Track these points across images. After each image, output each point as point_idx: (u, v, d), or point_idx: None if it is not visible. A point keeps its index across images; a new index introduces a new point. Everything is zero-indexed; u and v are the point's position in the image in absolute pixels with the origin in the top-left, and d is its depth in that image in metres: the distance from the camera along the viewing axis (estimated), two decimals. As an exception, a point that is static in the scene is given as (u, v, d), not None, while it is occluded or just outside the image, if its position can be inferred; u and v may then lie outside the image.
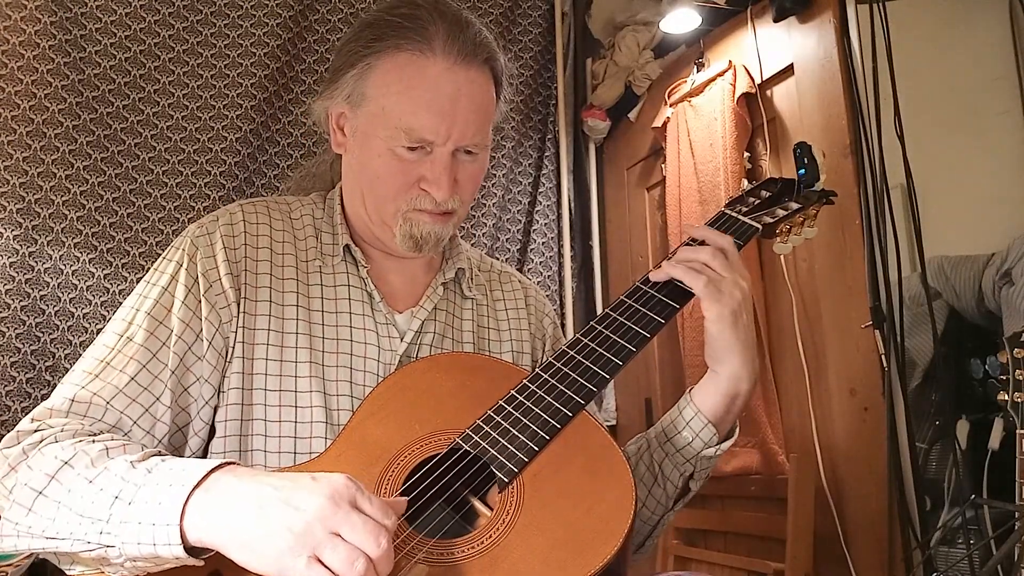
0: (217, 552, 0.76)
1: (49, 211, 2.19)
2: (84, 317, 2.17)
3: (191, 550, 0.76)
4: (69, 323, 2.16)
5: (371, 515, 0.73)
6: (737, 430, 1.06)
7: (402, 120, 0.98)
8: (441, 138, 0.99)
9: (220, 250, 1.01)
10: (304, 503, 0.73)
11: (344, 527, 0.72)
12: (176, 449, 0.96)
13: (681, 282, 1.01)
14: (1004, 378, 1.30)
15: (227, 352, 0.98)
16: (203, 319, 0.97)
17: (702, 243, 1.05)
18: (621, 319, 1.00)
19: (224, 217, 1.06)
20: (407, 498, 0.84)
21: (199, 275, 1.00)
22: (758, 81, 2.24)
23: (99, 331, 2.20)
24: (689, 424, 1.02)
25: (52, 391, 2.21)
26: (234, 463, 0.81)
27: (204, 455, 0.98)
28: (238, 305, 0.99)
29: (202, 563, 0.77)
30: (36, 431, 0.86)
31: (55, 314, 2.15)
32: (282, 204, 1.12)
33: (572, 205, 2.90)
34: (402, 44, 0.99)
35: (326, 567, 0.70)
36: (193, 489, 0.76)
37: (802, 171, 1.16)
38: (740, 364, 1.00)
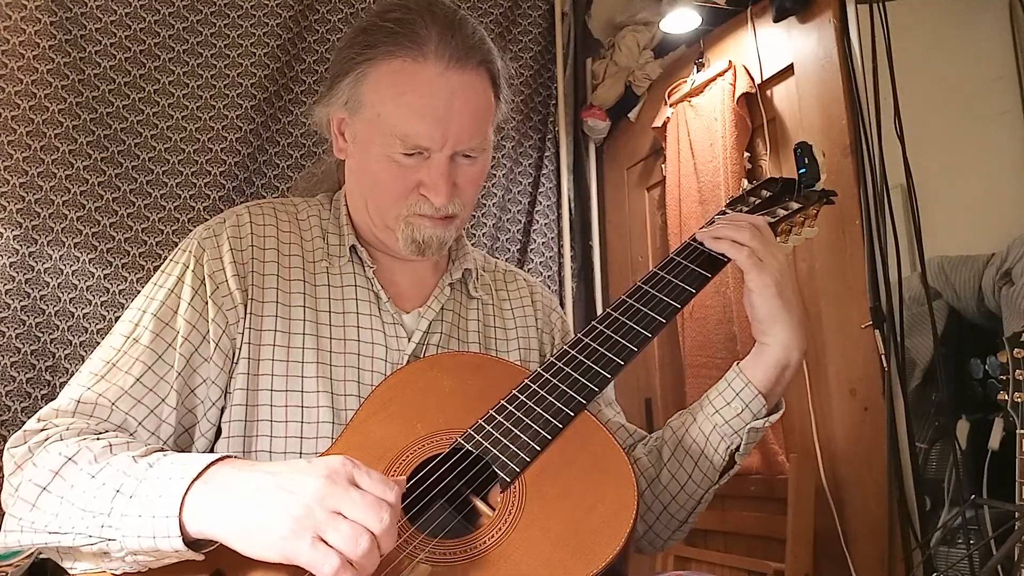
0: (219, 549, 0.76)
1: (49, 211, 2.19)
2: (84, 317, 2.17)
3: (192, 544, 0.76)
4: (69, 323, 2.16)
5: (371, 490, 0.74)
6: (783, 403, 1.06)
7: (397, 127, 0.98)
8: (437, 143, 0.98)
9: (227, 252, 1.02)
10: (301, 486, 0.73)
11: (344, 505, 0.72)
12: (182, 451, 0.96)
13: (723, 255, 1.02)
14: (1004, 378, 1.30)
15: (234, 354, 0.98)
16: (210, 321, 0.97)
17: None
18: (623, 318, 1.00)
19: (231, 219, 1.06)
20: (404, 477, 0.84)
21: (206, 277, 1.00)
22: (758, 81, 2.24)
23: (99, 331, 2.21)
24: (739, 395, 1.01)
25: (52, 391, 2.20)
26: (234, 456, 0.82)
27: None
28: (245, 307, 0.99)
29: (202, 558, 0.77)
30: (42, 430, 0.87)
31: (55, 314, 2.15)
32: (288, 205, 1.12)
33: (572, 205, 2.90)
34: (394, 50, 0.98)
35: (330, 547, 0.71)
36: (192, 482, 0.76)
37: (802, 171, 1.16)
38: (790, 333, 1.00)
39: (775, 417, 1.03)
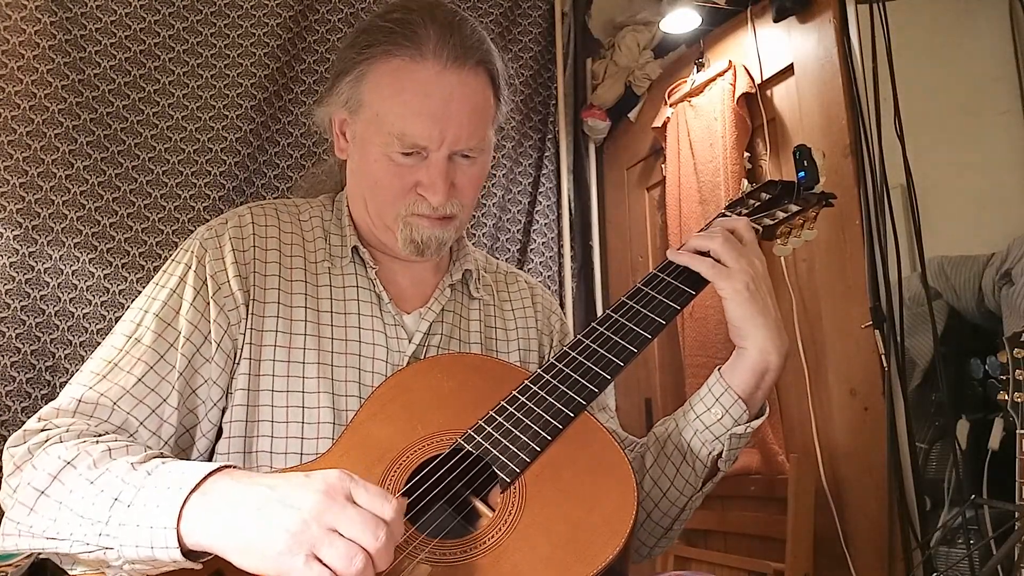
0: (217, 555, 0.76)
1: (49, 211, 2.19)
2: (84, 317, 2.17)
3: (189, 554, 0.76)
4: (69, 323, 2.16)
5: (367, 507, 0.73)
6: (768, 409, 1.04)
7: (395, 126, 0.98)
8: (435, 143, 0.98)
9: (229, 252, 1.02)
10: (299, 501, 0.73)
11: (341, 522, 0.72)
12: (183, 451, 0.96)
13: (688, 268, 1.02)
14: (1004, 378, 1.30)
15: (235, 354, 0.98)
16: (211, 321, 0.97)
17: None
18: (622, 320, 1.00)
19: (233, 219, 1.06)
20: (407, 499, 0.84)
21: (208, 277, 1.00)
22: (758, 81, 2.24)
23: (99, 331, 2.21)
24: (719, 400, 1.00)
25: (52, 391, 2.20)
26: (232, 466, 0.81)
27: (211, 457, 0.98)
28: (246, 307, 1.00)
29: (200, 567, 0.77)
30: (42, 431, 0.87)
31: (55, 314, 2.15)
32: (291, 206, 1.12)
33: (572, 205, 2.90)
34: (392, 50, 0.99)
35: (324, 565, 0.70)
36: (190, 492, 0.76)
37: (802, 173, 1.16)
38: (766, 337, 0.99)
39: (758, 423, 1.02)
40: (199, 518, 0.75)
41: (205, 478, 0.77)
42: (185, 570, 0.78)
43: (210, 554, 0.76)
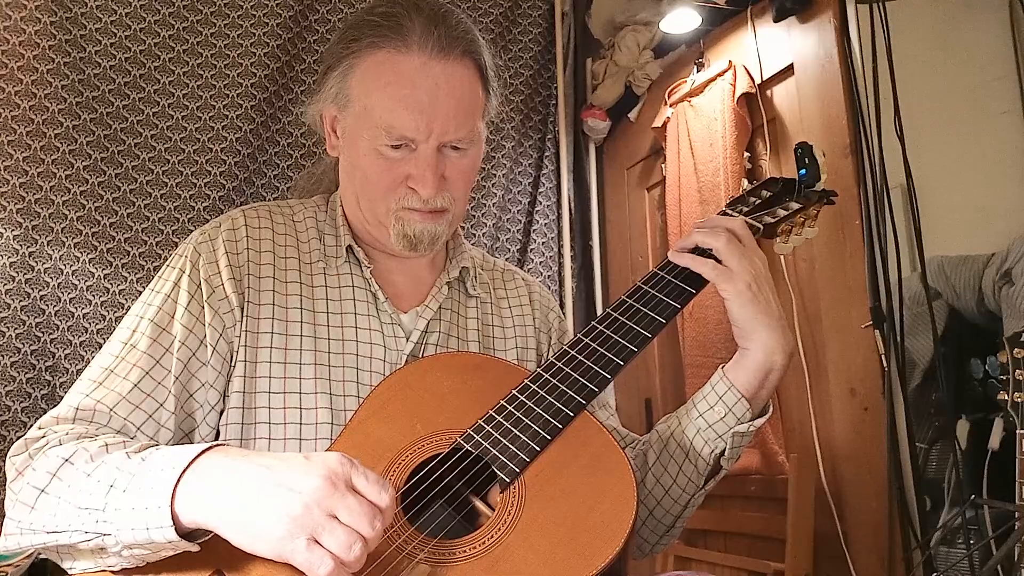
0: (216, 548, 0.76)
1: (49, 211, 2.19)
2: (84, 317, 2.17)
3: (187, 535, 0.76)
4: (69, 323, 2.16)
5: (366, 494, 0.74)
6: (771, 407, 1.04)
7: (382, 118, 0.98)
8: (423, 134, 0.98)
9: (223, 255, 1.02)
10: (300, 484, 0.73)
11: (341, 510, 0.73)
12: None
13: (689, 269, 1.01)
14: (1004, 378, 1.30)
15: (231, 357, 0.98)
16: (207, 325, 0.98)
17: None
18: (623, 318, 1.00)
19: (227, 223, 1.06)
20: (397, 494, 0.84)
21: (202, 281, 1.00)
22: (758, 81, 2.25)
23: (99, 331, 2.21)
24: (722, 399, 1.00)
25: (52, 391, 2.19)
26: (225, 444, 0.82)
27: None
28: (241, 310, 1.00)
29: (198, 548, 0.77)
30: (42, 437, 0.87)
31: (55, 314, 2.15)
32: (285, 208, 1.12)
33: (572, 205, 2.90)
34: (378, 42, 0.99)
35: (325, 549, 0.71)
36: (183, 471, 0.76)
37: (803, 171, 1.16)
38: (770, 337, 0.98)
39: (761, 421, 1.02)
40: (192, 495, 0.75)
41: (199, 455, 0.78)
42: (185, 561, 0.78)
43: (209, 534, 0.76)
